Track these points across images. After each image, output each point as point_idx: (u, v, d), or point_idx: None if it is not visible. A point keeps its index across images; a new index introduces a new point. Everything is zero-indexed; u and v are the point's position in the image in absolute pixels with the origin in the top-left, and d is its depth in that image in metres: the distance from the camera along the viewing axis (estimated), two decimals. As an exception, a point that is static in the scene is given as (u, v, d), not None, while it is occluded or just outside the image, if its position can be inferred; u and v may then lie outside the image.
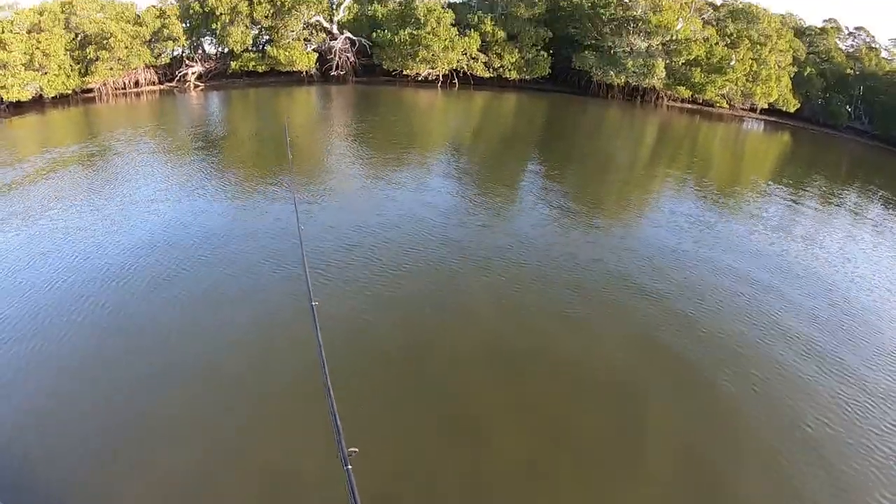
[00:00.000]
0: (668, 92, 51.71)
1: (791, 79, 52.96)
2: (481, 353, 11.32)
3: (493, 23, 49.12)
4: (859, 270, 17.78)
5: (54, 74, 36.06)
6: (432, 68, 48.00)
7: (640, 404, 10.30)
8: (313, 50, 46.82)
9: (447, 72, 48.95)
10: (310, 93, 44.92)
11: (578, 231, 18.43)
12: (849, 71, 54.74)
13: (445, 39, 46.84)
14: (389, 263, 14.45)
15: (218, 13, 42.72)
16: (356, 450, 4.50)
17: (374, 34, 47.24)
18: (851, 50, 57.97)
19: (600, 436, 9.59)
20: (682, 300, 14.17)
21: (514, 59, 49.91)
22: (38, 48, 35.06)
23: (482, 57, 49.25)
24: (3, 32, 34.00)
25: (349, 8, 48.71)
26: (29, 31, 35.50)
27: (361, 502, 3.99)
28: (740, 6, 53.25)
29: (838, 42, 58.53)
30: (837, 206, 26.62)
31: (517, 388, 10.40)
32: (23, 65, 34.66)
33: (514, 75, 50.43)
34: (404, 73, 48.05)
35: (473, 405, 9.88)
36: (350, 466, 4.30)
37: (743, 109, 54.02)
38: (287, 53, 44.41)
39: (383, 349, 11.13)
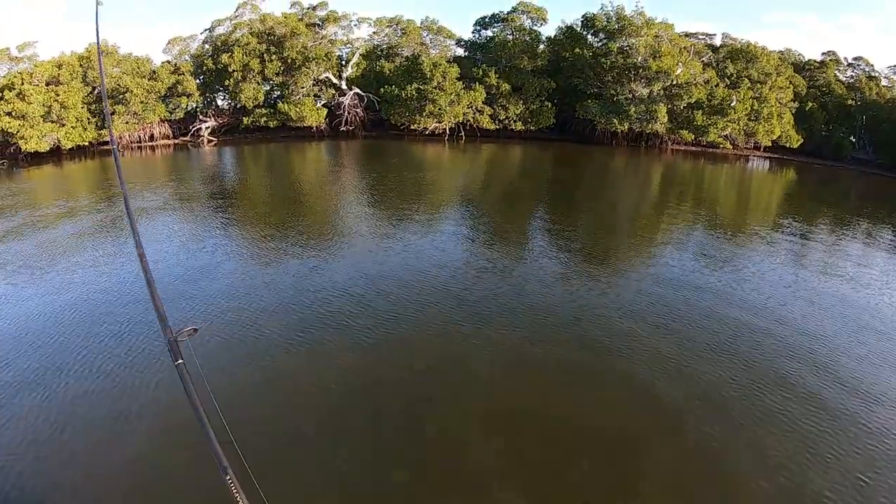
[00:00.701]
0: (672, 136, 52.76)
1: (793, 114, 54.34)
2: (477, 407, 11.27)
3: (497, 76, 50.57)
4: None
5: (72, 127, 36.61)
6: (439, 122, 48.94)
7: (634, 460, 10.16)
8: (323, 105, 47.86)
9: (453, 125, 49.83)
10: (320, 148, 45.51)
11: (581, 283, 18.09)
12: (850, 102, 56.18)
13: (451, 93, 48.05)
14: (387, 316, 14.49)
15: (230, 70, 43.97)
16: (196, 328, 4.43)
17: (382, 89, 48.43)
18: (852, 81, 59.59)
19: (593, 491, 9.52)
20: (690, 351, 13.84)
21: (519, 111, 51.09)
22: (56, 101, 35.74)
23: (487, 109, 50.40)
24: (22, 84, 34.61)
25: (357, 64, 50.28)
26: (48, 84, 36.24)
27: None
28: (739, 46, 55.09)
29: (838, 74, 60.31)
30: (845, 243, 26.30)
31: (512, 444, 10.36)
32: (41, 116, 35.15)
33: (519, 126, 51.51)
34: (412, 127, 48.86)
35: (470, 461, 9.86)
36: (182, 361, 4.23)
37: (747, 148, 55.00)
38: (297, 109, 45.35)
39: (382, 403, 11.14)
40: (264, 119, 45.44)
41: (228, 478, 3.58)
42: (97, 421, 10.21)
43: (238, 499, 3.53)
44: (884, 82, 58.76)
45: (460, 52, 56.41)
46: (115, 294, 15.29)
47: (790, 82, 54.97)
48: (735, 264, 20.65)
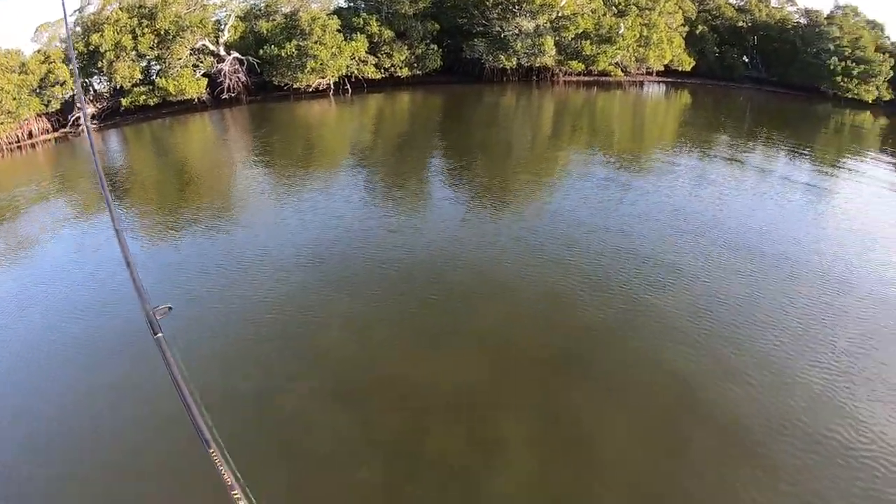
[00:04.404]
0: (562, 68, 56.09)
1: (684, 38, 57.29)
2: (328, 381, 12.34)
3: (378, 23, 53.40)
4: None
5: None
6: (322, 77, 52.27)
7: (491, 422, 11.07)
8: (203, 75, 51.03)
9: (338, 79, 53.13)
10: (203, 119, 49.26)
11: (474, 226, 20.90)
12: (741, 24, 59.12)
13: (332, 46, 51.10)
14: (263, 283, 16.40)
15: (102, 50, 47.06)
16: (170, 306, 4.60)
17: (261, 50, 51.49)
18: (742, 3, 62.00)
19: (449, 459, 10.19)
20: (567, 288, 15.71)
21: (403, 57, 54.26)
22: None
23: (372, 59, 53.60)
24: None
25: (234, 27, 53.05)
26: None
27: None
28: (625, -25, 57.42)
29: (728, -3, 62.73)
30: (741, 153, 33.56)
31: (364, 416, 11.26)
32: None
33: (406, 73, 54.89)
34: (295, 86, 52.21)
35: (322, 436, 10.70)
36: (161, 334, 4.31)
37: (639, 74, 58.40)
38: (176, 82, 48.76)
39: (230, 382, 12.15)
40: (143, 97, 48.80)
41: (212, 450, 3.65)
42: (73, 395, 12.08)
43: (223, 470, 3.59)
44: (773, 3, 61.28)
45: (342, 2, 58.45)
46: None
47: (679, 7, 57.58)
48: (630, 189, 25.25)
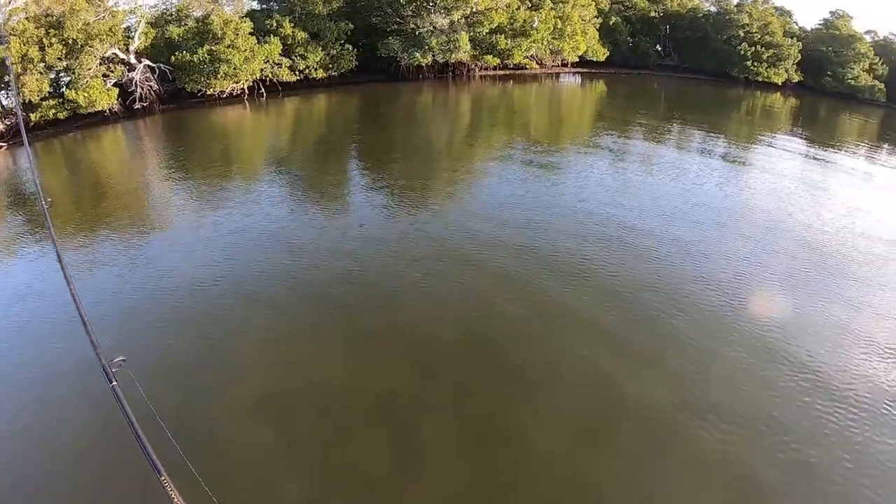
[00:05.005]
0: (478, 63, 57.16)
1: (598, 29, 58.62)
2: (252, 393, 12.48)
3: (292, 25, 53.82)
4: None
5: None
6: (236, 82, 52.78)
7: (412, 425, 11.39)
8: (114, 85, 51.17)
9: (252, 83, 53.65)
10: (116, 131, 49.45)
11: (391, 228, 21.48)
12: (653, 14, 60.78)
13: (245, 50, 51.54)
14: (180, 303, 16.44)
15: (8, 63, 46.98)
16: (124, 358, 4.85)
17: (173, 57, 51.71)
18: (654, -6, 63.89)
19: (376, 464, 10.48)
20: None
21: (318, 58, 54.85)
22: None
23: (286, 61, 54.08)
24: None
25: (145, 34, 53.11)
26: None
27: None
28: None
29: (639, -12, 64.37)
30: (658, 136, 37.00)
31: (292, 428, 11.38)
32: None
33: (321, 74, 55.52)
34: (209, 92, 52.61)
35: (253, 450, 10.87)
36: (115, 382, 4.51)
37: (555, 66, 59.73)
38: (86, 94, 48.86)
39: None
40: (53, 111, 48.78)
41: (163, 477, 3.89)
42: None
43: (173, 496, 3.83)
44: (685, -6, 63.23)
45: (255, 5, 58.64)
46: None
47: (592, -1, 58.95)
48: (544, 180, 27.18)
